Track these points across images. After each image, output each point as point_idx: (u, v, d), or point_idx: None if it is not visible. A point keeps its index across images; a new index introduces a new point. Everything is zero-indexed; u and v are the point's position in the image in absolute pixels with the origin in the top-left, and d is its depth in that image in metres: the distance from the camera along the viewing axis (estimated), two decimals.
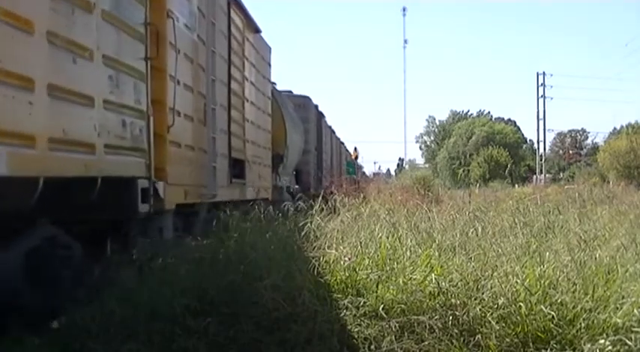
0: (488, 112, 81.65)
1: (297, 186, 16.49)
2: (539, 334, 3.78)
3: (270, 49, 12.61)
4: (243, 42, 9.94)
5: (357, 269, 4.59)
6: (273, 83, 14.30)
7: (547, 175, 52.45)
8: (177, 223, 6.71)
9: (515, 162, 63.99)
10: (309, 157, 18.76)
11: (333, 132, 27.62)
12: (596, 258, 4.66)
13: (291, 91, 18.29)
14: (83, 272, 4.70)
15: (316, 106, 20.92)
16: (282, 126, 13.57)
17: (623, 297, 3.93)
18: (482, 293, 4.09)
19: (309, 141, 18.55)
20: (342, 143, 34.63)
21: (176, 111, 6.31)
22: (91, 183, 4.42)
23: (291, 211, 7.37)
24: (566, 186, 14.76)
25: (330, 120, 27.82)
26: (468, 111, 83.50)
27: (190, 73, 7.02)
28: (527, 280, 4.14)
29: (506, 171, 47.97)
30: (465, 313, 3.95)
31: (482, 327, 3.85)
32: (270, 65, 12.70)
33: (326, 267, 4.71)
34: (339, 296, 4.24)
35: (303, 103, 19.04)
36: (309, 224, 5.91)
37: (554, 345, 3.69)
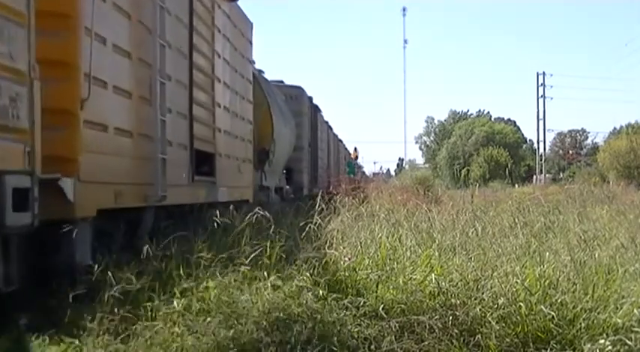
0: (488, 112, 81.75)
1: (287, 187, 15.00)
2: (539, 334, 3.78)
3: (251, 24, 10.74)
4: (212, 8, 8.14)
5: (357, 269, 4.59)
6: (260, 71, 12.96)
7: (547, 175, 52.45)
8: (108, 237, 5.17)
9: (515, 162, 64.01)
10: (302, 154, 16.88)
11: (330, 128, 25.87)
12: (596, 258, 4.66)
13: (282, 81, 16.63)
14: None
15: (310, 98, 18.92)
16: (268, 116, 11.90)
17: (623, 297, 3.94)
18: (483, 293, 4.09)
19: (302, 137, 16.71)
20: (341, 141, 32.55)
21: (96, 79, 4.70)
22: None
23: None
24: (566, 186, 14.75)
25: (330, 120, 26.42)
26: (468, 111, 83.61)
27: (126, 32, 5.45)
28: (527, 280, 4.15)
29: (507, 171, 47.95)
30: (464, 313, 3.94)
31: (482, 327, 3.85)
32: (251, 43, 10.82)
33: (326, 267, 4.71)
34: (339, 296, 4.24)
35: (296, 94, 17.08)
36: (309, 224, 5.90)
37: (554, 345, 3.69)
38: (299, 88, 17.64)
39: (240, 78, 9.81)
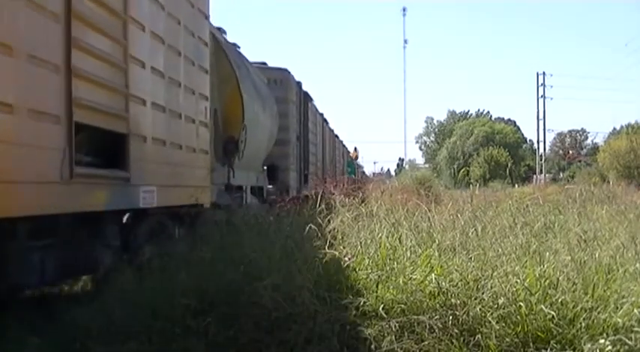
0: (488, 112, 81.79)
1: (270, 187, 12.77)
2: (539, 334, 3.78)
3: None
4: None
5: (357, 269, 4.59)
6: (221, 30, 9.83)
7: (547, 175, 52.45)
8: None
9: (515, 162, 64.03)
10: (289, 149, 14.29)
11: (325, 122, 22.80)
12: (596, 258, 4.65)
13: (265, 63, 14.10)
14: None
15: (299, 84, 16.09)
16: (236, 96, 9.13)
17: (623, 297, 3.93)
18: (483, 293, 4.09)
19: (289, 129, 14.22)
20: (337, 136, 29.12)
21: None
22: None
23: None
24: (565, 186, 14.73)
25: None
26: (468, 111, 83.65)
27: None
28: (527, 280, 4.14)
29: (507, 171, 47.99)
30: (464, 313, 3.95)
31: (482, 327, 3.85)
32: None
33: (326, 267, 4.71)
34: (339, 296, 4.24)
35: (280, 78, 14.24)
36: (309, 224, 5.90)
37: (554, 345, 3.69)
38: (284, 71, 14.64)
39: (187, 34, 6.87)
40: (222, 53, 9.04)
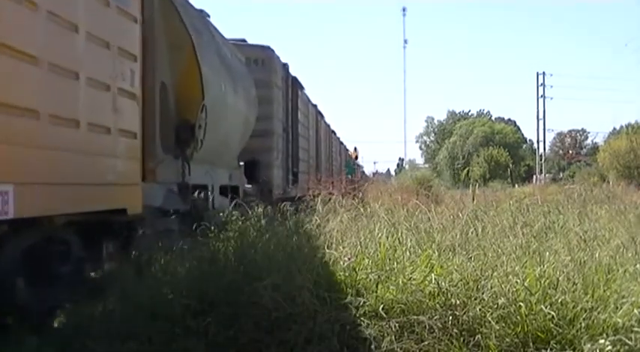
0: (488, 112, 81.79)
1: (249, 186, 10.75)
2: (539, 334, 3.78)
3: None
4: None
5: (357, 269, 4.59)
6: (203, 11, 8.74)
7: (547, 175, 52.45)
8: None
9: (515, 162, 64.05)
10: (272, 142, 12.12)
11: (320, 115, 20.56)
12: (596, 258, 4.66)
13: (244, 40, 12.02)
14: None
15: (285, 66, 13.74)
16: (192, 68, 7.11)
17: (623, 297, 3.94)
18: (482, 293, 4.09)
19: (272, 117, 12.12)
20: (334, 132, 27.00)
21: None
22: None
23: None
24: (565, 186, 14.73)
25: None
26: (468, 111, 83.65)
27: None
28: (527, 280, 4.14)
29: (507, 171, 48.01)
30: (464, 313, 3.95)
31: (482, 327, 3.85)
32: None
33: (326, 267, 4.71)
34: (339, 296, 4.24)
35: (262, 58, 11.98)
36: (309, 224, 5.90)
37: (554, 345, 3.69)
38: (267, 49, 12.33)
39: None
40: (173, 11, 6.95)
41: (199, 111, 7.18)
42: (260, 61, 11.97)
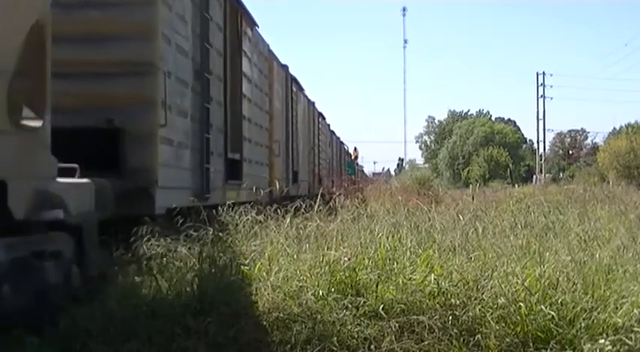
0: (488, 112, 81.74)
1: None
2: (539, 334, 3.78)
3: None
4: None
5: (357, 269, 4.59)
6: None
7: (547, 175, 52.45)
8: None
9: (515, 162, 64.03)
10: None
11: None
12: (596, 258, 4.65)
13: None
14: None
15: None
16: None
17: (623, 297, 3.94)
18: (482, 293, 4.09)
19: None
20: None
21: None
22: None
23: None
24: (565, 187, 14.74)
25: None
26: (468, 111, 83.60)
27: None
28: (527, 280, 4.14)
29: (507, 171, 48.02)
30: (464, 313, 3.95)
31: (482, 327, 3.85)
32: None
33: (326, 267, 4.71)
34: (339, 296, 4.24)
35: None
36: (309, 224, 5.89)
37: (554, 345, 3.69)
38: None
39: None
40: None
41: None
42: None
